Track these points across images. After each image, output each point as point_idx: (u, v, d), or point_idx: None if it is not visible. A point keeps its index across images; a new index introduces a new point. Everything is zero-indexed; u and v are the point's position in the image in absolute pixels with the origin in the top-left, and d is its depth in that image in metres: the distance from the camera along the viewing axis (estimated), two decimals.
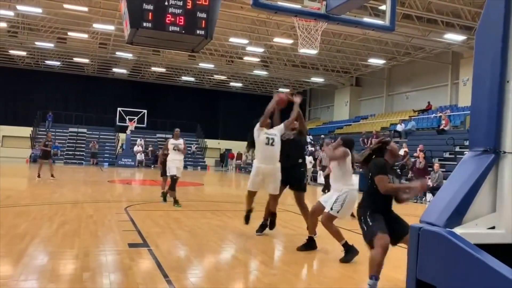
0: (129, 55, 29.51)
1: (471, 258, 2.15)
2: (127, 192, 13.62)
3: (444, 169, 14.86)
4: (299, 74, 32.99)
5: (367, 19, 9.07)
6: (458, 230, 2.34)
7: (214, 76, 35.51)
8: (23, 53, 30.73)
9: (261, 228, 6.74)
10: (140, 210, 9.05)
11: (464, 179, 2.54)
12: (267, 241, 6.46)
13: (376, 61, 27.00)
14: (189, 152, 27.53)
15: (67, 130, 33.12)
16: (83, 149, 31.40)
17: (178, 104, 37.41)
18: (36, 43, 27.20)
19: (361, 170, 4.95)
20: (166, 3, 5.34)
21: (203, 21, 5.51)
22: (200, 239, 6.33)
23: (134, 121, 31.22)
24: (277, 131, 6.40)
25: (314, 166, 18.95)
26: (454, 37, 20.54)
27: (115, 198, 11.35)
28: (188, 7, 5.43)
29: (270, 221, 6.69)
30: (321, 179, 18.09)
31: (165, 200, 10.17)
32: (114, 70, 34.88)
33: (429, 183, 14.25)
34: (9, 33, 26.06)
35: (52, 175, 15.48)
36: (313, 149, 23.33)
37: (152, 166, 29.07)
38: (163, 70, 33.94)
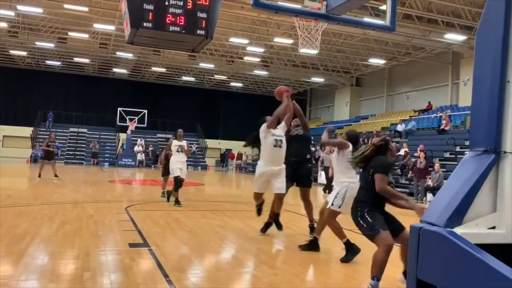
0: (129, 55, 29.53)
1: (472, 258, 2.15)
2: (127, 192, 13.62)
3: (444, 169, 14.87)
4: (299, 74, 32.98)
5: (367, 19, 9.06)
6: (458, 230, 2.34)
7: (215, 76, 35.50)
8: (24, 53, 30.74)
9: (265, 227, 6.73)
10: (140, 210, 9.05)
11: (465, 179, 2.54)
12: (268, 241, 6.45)
13: (376, 61, 26.98)
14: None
15: (67, 130, 33.15)
16: (84, 149, 31.44)
17: (178, 104, 37.43)
18: (37, 43, 27.22)
19: (355, 168, 4.81)
20: (167, 3, 5.34)
21: (204, 21, 5.52)
22: (201, 239, 6.33)
23: (135, 121, 31.25)
24: (282, 130, 6.40)
25: (315, 166, 18.93)
26: (455, 37, 20.53)
27: (116, 198, 11.35)
28: (188, 7, 5.44)
29: (275, 222, 6.65)
30: (321, 179, 18.09)
31: (169, 199, 10.10)
32: (115, 70, 34.89)
33: (430, 183, 14.26)
34: (10, 33, 26.08)
35: (56, 175, 15.49)
36: (313, 149, 23.30)
37: (153, 166, 29.10)
38: (163, 70, 33.95)
